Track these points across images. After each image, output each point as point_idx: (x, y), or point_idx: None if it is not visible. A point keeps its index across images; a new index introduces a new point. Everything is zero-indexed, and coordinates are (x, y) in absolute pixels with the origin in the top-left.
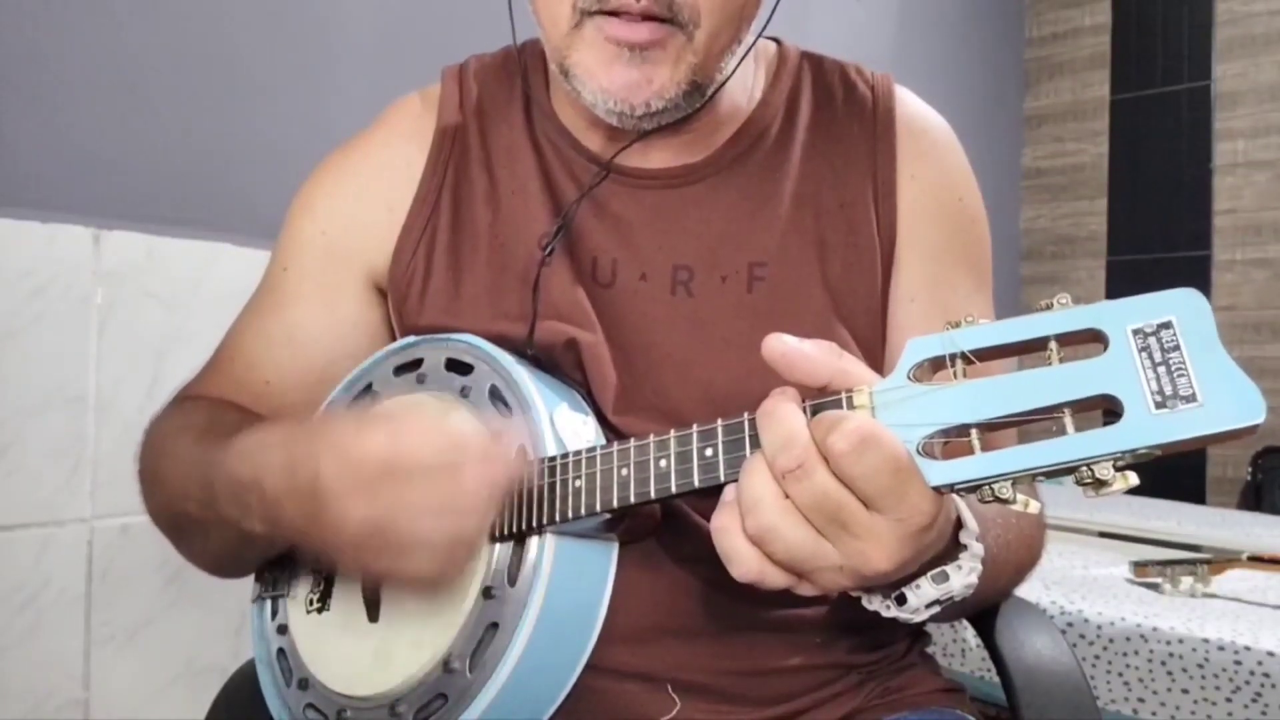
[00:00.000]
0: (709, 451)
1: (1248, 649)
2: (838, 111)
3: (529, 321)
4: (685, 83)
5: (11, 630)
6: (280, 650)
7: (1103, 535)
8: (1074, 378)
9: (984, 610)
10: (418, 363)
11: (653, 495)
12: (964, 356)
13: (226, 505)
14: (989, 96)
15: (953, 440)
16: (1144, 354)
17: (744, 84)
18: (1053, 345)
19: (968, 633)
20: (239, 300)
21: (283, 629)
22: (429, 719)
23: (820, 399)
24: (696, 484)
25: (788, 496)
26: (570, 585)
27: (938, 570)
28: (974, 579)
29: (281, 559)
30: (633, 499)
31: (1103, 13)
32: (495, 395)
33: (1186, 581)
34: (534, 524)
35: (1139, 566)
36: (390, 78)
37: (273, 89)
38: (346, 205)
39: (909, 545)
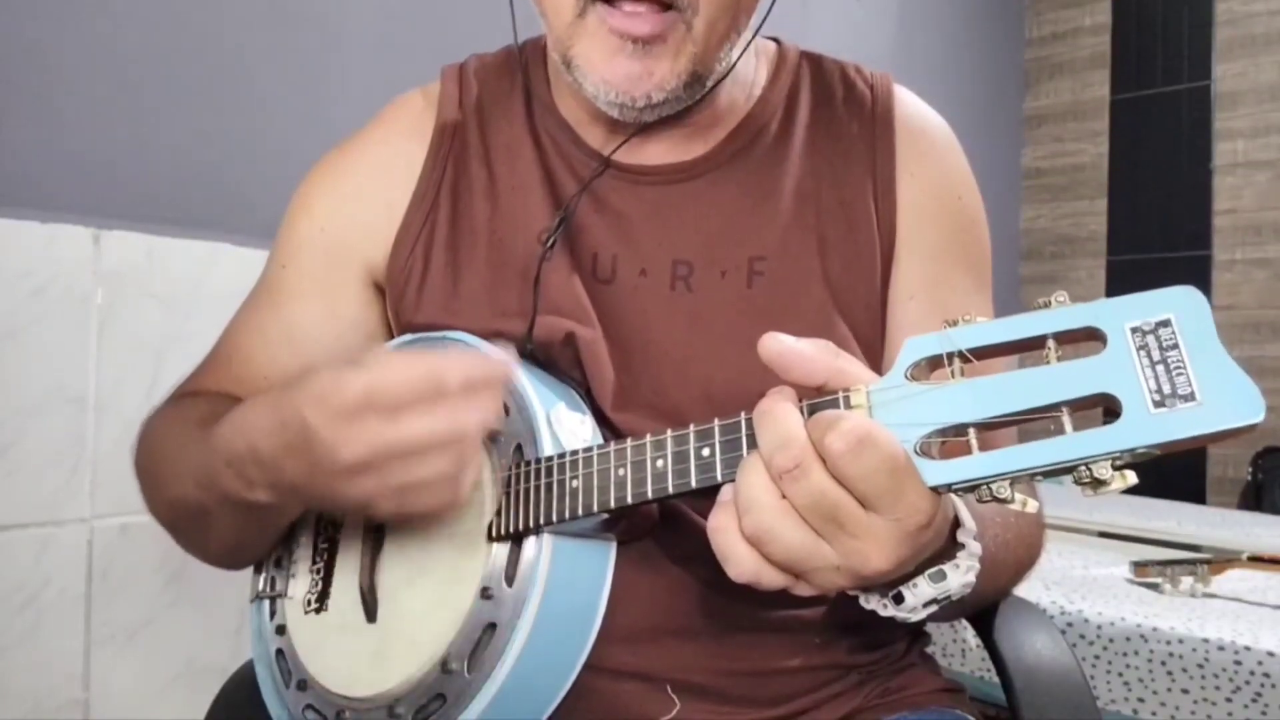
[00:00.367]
0: (706, 451)
1: (1248, 649)
2: (837, 109)
3: (527, 317)
4: (686, 74)
5: (11, 630)
6: (279, 651)
7: (1103, 535)
8: (1072, 376)
9: (983, 610)
10: None
11: (650, 495)
12: (961, 355)
13: (229, 482)
14: (989, 96)
15: (950, 440)
16: (1142, 352)
17: (744, 81)
18: (1051, 344)
19: (968, 633)
20: (239, 300)
21: (281, 629)
22: (428, 719)
23: (817, 398)
24: (694, 484)
25: (785, 497)
26: (568, 585)
27: (935, 569)
28: (972, 578)
29: (280, 558)
30: (630, 499)
31: (1103, 13)
32: None
33: (1186, 581)
34: (531, 524)
35: (1139, 566)
36: (390, 78)
37: (273, 89)
38: (345, 203)
39: (906, 545)
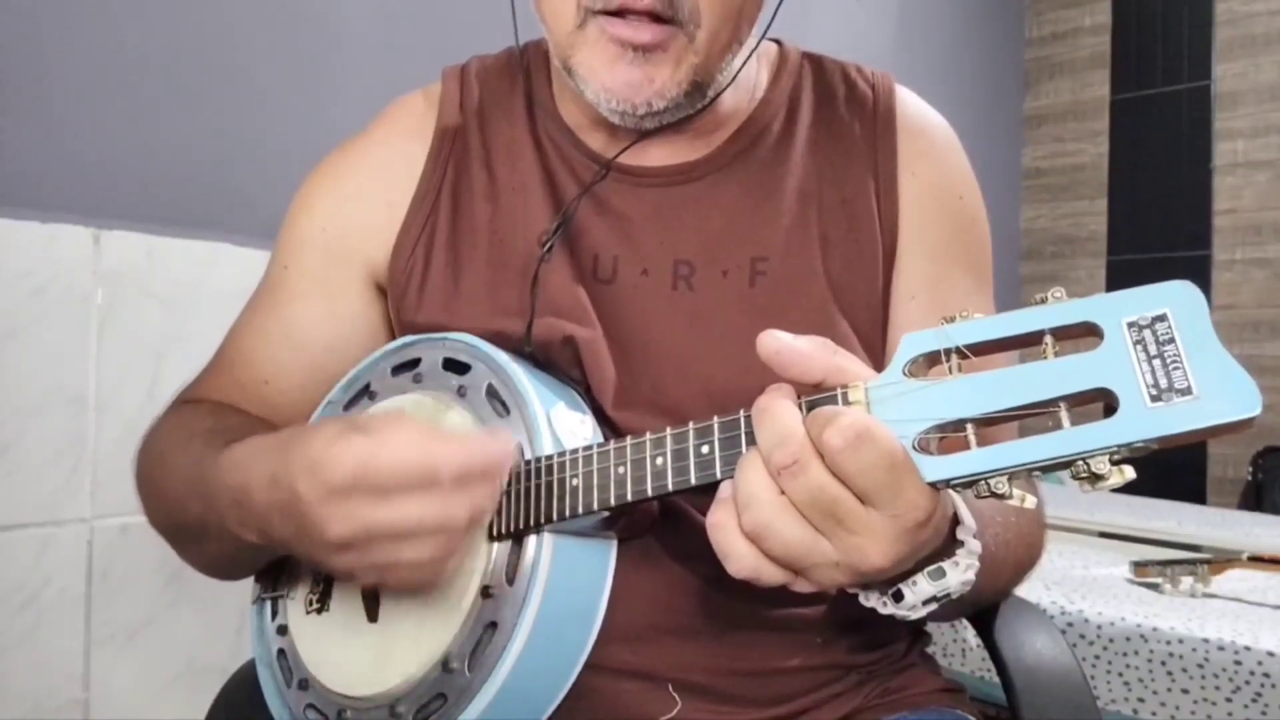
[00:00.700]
0: (705, 449)
1: (1248, 649)
2: (839, 110)
3: (527, 318)
4: (687, 83)
5: (11, 630)
6: (280, 651)
7: (1103, 535)
8: (1069, 372)
9: (984, 610)
10: (415, 362)
11: (650, 493)
12: (959, 351)
13: (225, 511)
14: (989, 96)
15: (949, 435)
16: (1139, 347)
17: (746, 83)
18: (1048, 339)
19: (968, 633)
20: (239, 300)
21: (283, 629)
22: (429, 719)
23: (816, 395)
24: (693, 481)
25: (783, 493)
26: (569, 584)
27: (934, 567)
28: (971, 576)
29: (281, 560)
30: (630, 497)
31: (1103, 13)
32: (492, 394)
33: (1186, 581)
34: (531, 523)
35: (1139, 566)
36: (390, 78)
37: (273, 89)
38: (346, 203)
39: (905, 541)
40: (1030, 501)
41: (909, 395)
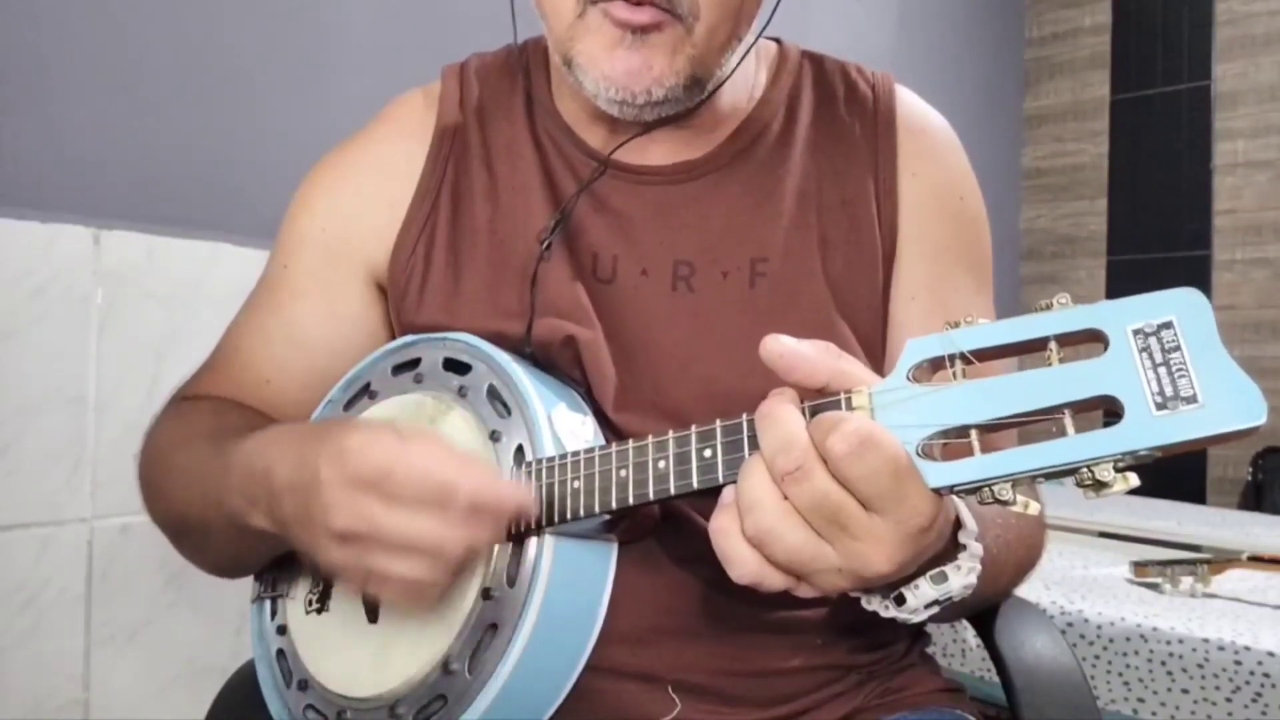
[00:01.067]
0: (707, 453)
1: (1248, 649)
2: (839, 109)
3: (527, 318)
4: (684, 74)
5: (11, 630)
6: (280, 651)
7: (1103, 535)
8: (1074, 378)
9: (984, 610)
10: (415, 362)
11: (651, 496)
12: (963, 357)
13: (234, 498)
14: (989, 96)
15: (952, 441)
16: (1144, 354)
17: (745, 82)
18: (1052, 345)
19: (968, 633)
20: (239, 300)
21: (282, 630)
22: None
23: (819, 400)
24: (695, 485)
25: (787, 498)
26: (569, 586)
27: (937, 571)
28: (973, 579)
29: (282, 559)
30: (631, 500)
31: (1103, 13)
32: (493, 395)
33: (1186, 581)
34: (533, 524)
35: (1139, 566)
36: (390, 78)
37: (273, 89)
38: (346, 202)
39: (908, 546)
40: (1033, 508)
41: (913, 401)
